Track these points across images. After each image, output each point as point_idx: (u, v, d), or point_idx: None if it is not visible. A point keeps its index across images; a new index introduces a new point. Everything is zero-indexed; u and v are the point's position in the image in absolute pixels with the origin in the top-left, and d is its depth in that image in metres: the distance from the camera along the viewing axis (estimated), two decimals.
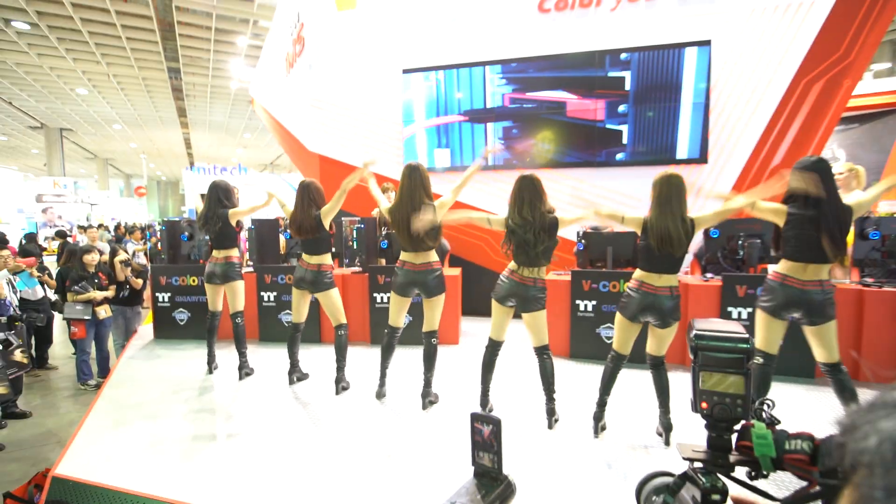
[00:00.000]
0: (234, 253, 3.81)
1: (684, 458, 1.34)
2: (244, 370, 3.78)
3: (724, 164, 4.87)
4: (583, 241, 4.22)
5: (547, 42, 5.25)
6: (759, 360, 2.62)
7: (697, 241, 4.19)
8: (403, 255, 3.11)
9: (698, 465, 1.34)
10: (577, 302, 4.09)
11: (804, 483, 1.19)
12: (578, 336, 4.11)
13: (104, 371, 5.11)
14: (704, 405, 1.37)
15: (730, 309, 3.67)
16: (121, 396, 3.46)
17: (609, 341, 4.00)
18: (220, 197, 3.74)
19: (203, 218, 3.77)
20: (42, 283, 5.09)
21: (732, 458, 1.32)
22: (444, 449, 2.62)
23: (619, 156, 5.13)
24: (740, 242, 3.83)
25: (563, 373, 3.77)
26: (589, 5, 5.09)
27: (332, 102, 6.13)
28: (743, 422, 1.38)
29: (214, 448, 2.69)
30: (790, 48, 4.61)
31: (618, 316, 2.68)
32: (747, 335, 1.44)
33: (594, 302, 4.05)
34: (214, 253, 3.80)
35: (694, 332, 1.47)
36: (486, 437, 1.58)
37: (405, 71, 5.72)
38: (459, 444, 2.65)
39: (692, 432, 2.67)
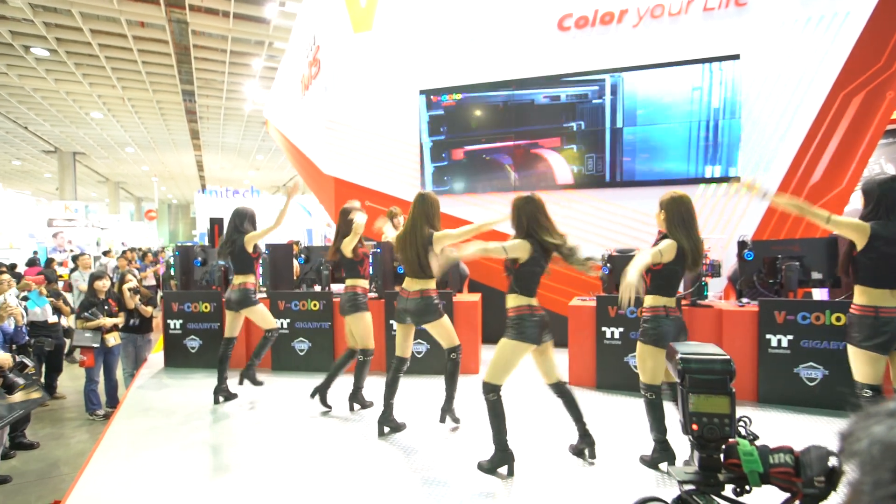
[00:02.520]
0: (250, 279, 4.02)
1: (679, 481, 1.42)
2: (249, 377, 4.06)
3: (759, 181, 4.88)
4: (608, 264, 4.25)
5: (567, 60, 5.42)
6: (867, 392, 2.49)
7: (731, 263, 4.18)
8: (404, 282, 3.26)
9: (689, 487, 1.41)
10: (604, 329, 4.10)
11: (787, 495, 1.26)
12: (605, 365, 4.11)
13: (113, 401, 5.27)
14: (695, 427, 1.46)
15: (768, 336, 3.64)
16: (131, 427, 3.59)
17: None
18: (236, 223, 3.99)
19: (221, 244, 4.05)
20: (57, 310, 5.33)
21: (722, 476, 1.40)
22: (458, 492, 2.64)
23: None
24: (777, 265, 3.82)
25: (589, 404, 3.77)
26: (610, 22, 5.25)
27: (348, 124, 6.39)
28: (730, 440, 1.48)
29: (226, 481, 2.77)
30: (826, 60, 4.66)
31: (651, 348, 2.64)
32: (728, 356, 1.54)
33: (621, 329, 4.06)
34: (233, 279, 4.07)
35: (679, 356, 1.55)
36: None
37: (422, 92, 5.94)
38: (473, 483, 2.67)
39: None
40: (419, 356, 4.59)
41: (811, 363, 3.52)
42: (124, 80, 13.91)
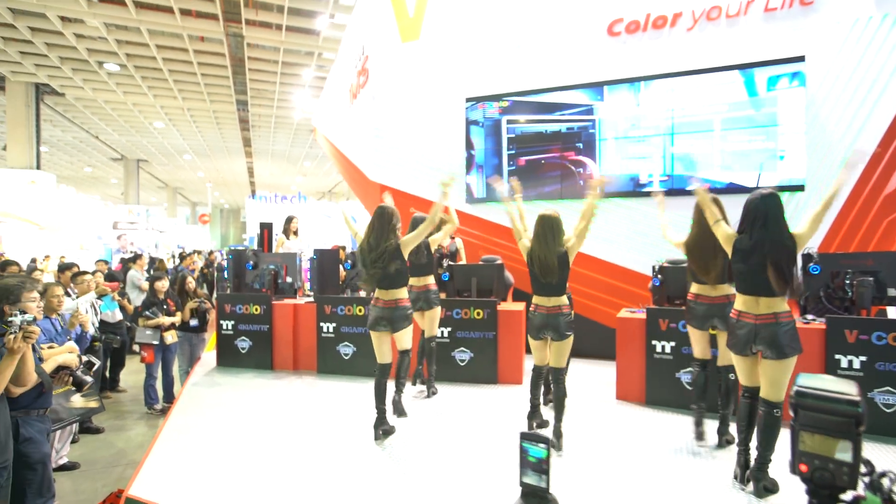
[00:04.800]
0: (431, 280, 4.20)
1: None
2: (431, 389, 4.25)
3: (825, 191, 4.59)
4: (659, 275, 4.11)
5: (618, 66, 5.31)
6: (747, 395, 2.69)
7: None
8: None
9: None
10: (654, 343, 3.96)
11: None
12: (655, 380, 3.96)
13: (169, 396, 5.56)
14: (803, 467, 1.33)
15: (837, 356, 3.40)
16: (186, 422, 3.77)
17: (691, 387, 3.82)
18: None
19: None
20: (121, 308, 5.70)
21: None
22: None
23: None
24: (848, 280, 3.57)
25: (637, 421, 3.65)
26: (663, 26, 5.11)
27: (395, 132, 6.50)
28: (853, 493, 1.31)
29: (276, 476, 2.85)
30: None
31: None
32: (859, 398, 1.36)
33: (673, 343, 3.91)
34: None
35: (795, 388, 1.44)
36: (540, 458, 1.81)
37: (468, 99, 5.97)
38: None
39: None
40: (462, 364, 4.59)
41: (888, 388, 3.26)
42: (184, 92, 14.78)
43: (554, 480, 2.74)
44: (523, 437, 1.92)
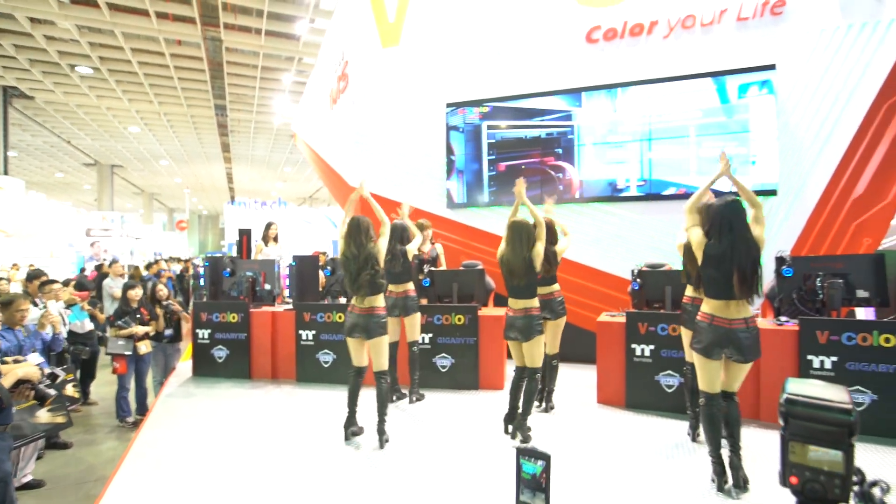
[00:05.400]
0: (411, 286, 4.23)
1: None
2: (414, 395, 4.19)
3: (796, 196, 4.72)
4: (638, 279, 4.16)
5: (596, 73, 5.38)
6: (702, 400, 2.72)
7: (769, 280, 4.03)
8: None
9: None
10: (633, 346, 4.00)
11: None
12: (635, 384, 3.99)
13: (142, 408, 5.38)
14: (794, 480, 1.29)
15: (810, 357, 3.48)
16: (159, 436, 3.65)
17: (670, 390, 3.86)
18: (401, 236, 4.17)
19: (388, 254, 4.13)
20: (92, 317, 5.51)
21: None
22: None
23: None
24: (819, 283, 3.66)
25: (618, 424, 3.67)
26: (640, 34, 5.20)
27: (375, 138, 6.46)
28: None
29: (252, 490, 2.78)
30: (868, 70, 4.50)
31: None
32: (850, 405, 1.31)
33: (652, 346, 3.94)
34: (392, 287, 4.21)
35: (785, 395, 1.41)
36: (535, 474, 1.71)
37: (449, 105, 5.98)
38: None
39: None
40: (443, 370, 4.56)
41: (858, 387, 3.34)
42: (161, 96, 14.48)
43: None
44: (519, 452, 1.83)
